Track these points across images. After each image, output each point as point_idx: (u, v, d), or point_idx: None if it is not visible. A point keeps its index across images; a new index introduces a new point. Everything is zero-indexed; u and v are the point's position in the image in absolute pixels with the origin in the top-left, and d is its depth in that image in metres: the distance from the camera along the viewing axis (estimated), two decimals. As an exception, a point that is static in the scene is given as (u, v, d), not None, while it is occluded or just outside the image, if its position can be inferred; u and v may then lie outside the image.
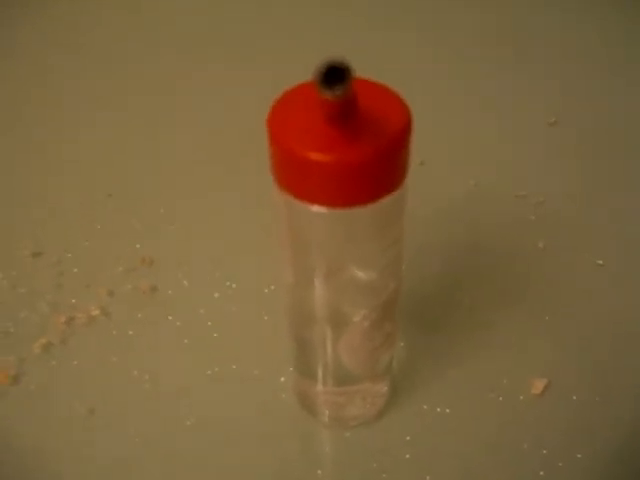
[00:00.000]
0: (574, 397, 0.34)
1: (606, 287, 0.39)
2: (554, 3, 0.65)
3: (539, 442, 0.32)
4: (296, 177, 0.22)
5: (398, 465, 0.32)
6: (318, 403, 0.33)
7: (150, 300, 0.39)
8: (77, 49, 0.61)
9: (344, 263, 0.26)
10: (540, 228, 0.43)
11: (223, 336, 0.37)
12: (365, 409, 0.33)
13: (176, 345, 0.37)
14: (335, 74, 0.18)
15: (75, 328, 0.38)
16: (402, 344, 0.36)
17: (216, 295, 0.39)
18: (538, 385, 0.35)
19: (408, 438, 0.33)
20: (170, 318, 0.38)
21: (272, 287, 0.40)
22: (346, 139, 0.21)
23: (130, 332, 0.38)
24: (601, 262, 0.41)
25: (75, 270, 0.41)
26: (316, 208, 0.22)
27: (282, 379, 0.35)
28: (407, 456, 0.32)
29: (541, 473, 0.31)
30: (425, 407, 0.34)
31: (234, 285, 0.40)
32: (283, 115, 0.22)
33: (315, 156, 0.21)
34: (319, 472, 0.32)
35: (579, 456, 0.32)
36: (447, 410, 0.34)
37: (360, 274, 0.26)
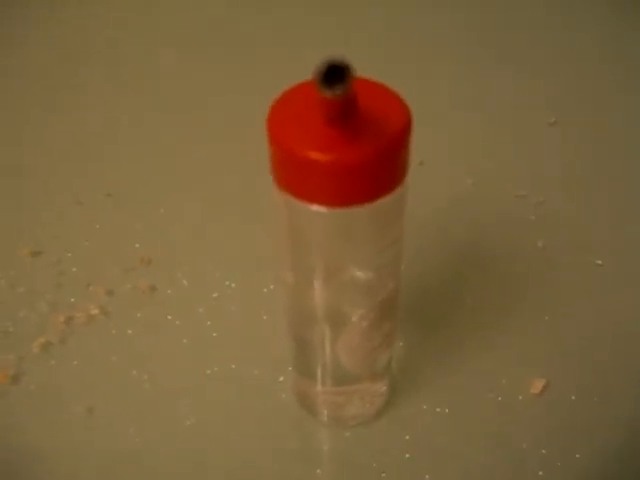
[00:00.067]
0: (573, 397, 0.34)
1: (605, 287, 0.39)
2: (554, 3, 0.65)
3: (538, 442, 0.32)
4: (296, 177, 0.22)
5: (397, 465, 0.32)
6: (317, 403, 0.33)
7: (149, 300, 0.39)
8: (77, 49, 0.61)
9: (343, 263, 0.26)
10: (540, 228, 0.43)
11: (222, 336, 0.37)
12: (364, 409, 0.33)
13: (175, 345, 0.37)
14: (335, 73, 0.18)
15: (74, 328, 0.38)
16: (401, 344, 0.36)
17: (215, 295, 0.39)
18: (537, 385, 0.35)
19: (407, 438, 0.33)
20: (169, 318, 0.38)
21: (271, 287, 0.40)
22: (346, 139, 0.21)
23: (129, 332, 0.38)
24: (600, 262, 0.41)
25: (74, 269, 0.41)
26: (316, 208, 0.22)
27: (281, 379, 0.35)
28: (406, 455, 0.32)
29: (540, 473, 0.31)
30: (424, 407, 0.34)
31: (233, 285, 0.40)
32: (283, 115, 0.22)
33: (315, 156, 0.21)
34: (318, 471, 0.32)
35: (578, 456, 0.32)
36: (446, 410, 0.34)
37: (359, 274, 0.26)
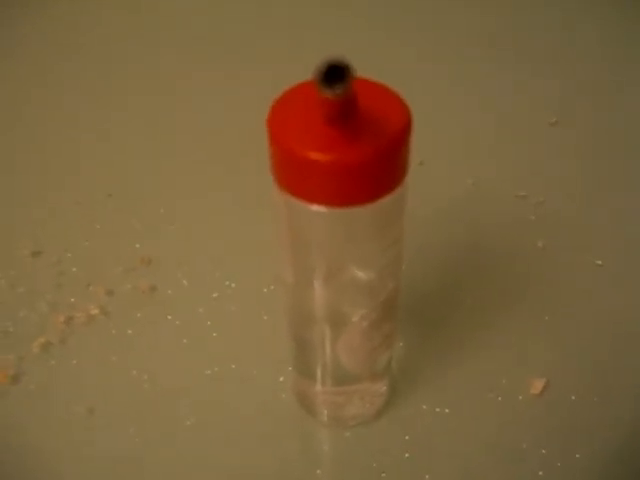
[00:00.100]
0: (573, 397, 0.34)
1: (605, 287, 0.39)
2: (554, 3, 0.65)
3: (538, 442, 0.32)
4: (296, 177, 0.22)
5: (397, 464, 0.32)
6: (317, 403, 0.33)
7: (149, 300, 0.39)
8: (77, 49, 0.61)
9: (344, 263, 0.26)
10: (540, 228, 0.43)
11: (222, 336, 0.37)
12: (364, 409, 0.33)
13: (175, 345, 0.37)
14: (335, 73, 0.18)
15: (74, 327, 0.38)
16: (401, 344, 0.36)
17: (215, 295, 0.39)
18: (537, 385, 0.35)
19: (407, 438, 0.33)
20: (169, 318, 0.38)
21: (271, 287, 0.40)
22: (346, 139, 0.21)
23: (129, 331, 0.38)
24: (600, 262, 0.41)
25: (74, 270, 0.41)
26: (316, 208, 0.22)
27: (281, 379, 0.35)
28: (406, 455, 0.32)
29: (540, 473, 0.31)
30: (424, 407, 0.34)
31: (233, 285, 0.40)
32: (283, 115, 0.22)
33: (315, 156, 0.21)
34: (318, 472, 0.32)
35: (578, 456, 0.32)
36: (446, 410, 0.34)
37: (360, 274, 0.26)
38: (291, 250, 0.26)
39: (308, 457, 0.33)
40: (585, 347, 0.36)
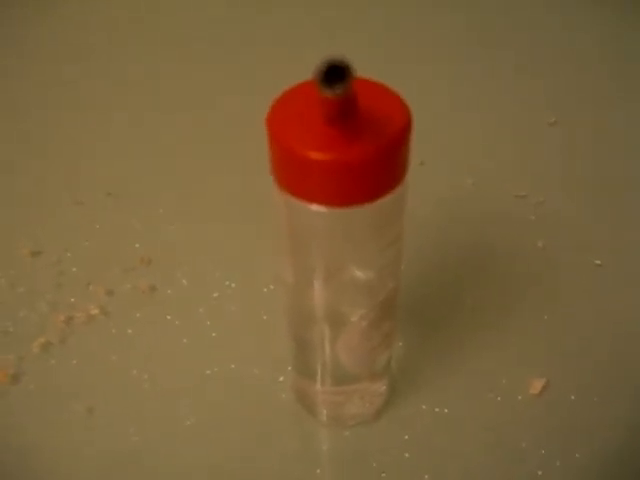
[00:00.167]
0: (572, 397, 0.34)
1: (605, 287, 0.39)
2: (554, 3, 0.65)
3: (537, 442, 0.32)
4: (296, 176, 0.22)
5: (397, 464, 0.32)
6: (317, 402, 0.33)
7: (149, 299, 0.39)
8: (77, 49, 0.61)
9: (343, 263, 0.26)
10: (540, 228, 0.43)
11: (222, 335, 0.37)
12: (364, 408, 0.33)
13: (175, 344, 0.37)
14: (335, 73, 0.18)
15: (74, 327, 0.38)
16: (401, 344, 0.36)
17: (215, 295, 0.39)
18: (536, 385, 0.35)
19: (407, 437, 0.33)
20: (169, 317, 0.38)
21: (271, 287, 0.40)
22: (346, 138, 0.21)
23: (129, 331, 0.38)
24: (600, 262, 0.41)
25: (74, 269, 0.41)
26: (316, 207, 0.22)
27: (281, 378, 0.35)
28: (406, 455, 0.32)
29: (539, 473, 0.31)
30: (424, 407, 0.34)
31: (233, 285, 0.40)
32: (283, 114, 0.22)
33: (315, 155, 0.21)
34: (318, 471, 0.32)
35: (577, 456, 0.32)
36: (445, 410, 0.34)
37: (359, 274, 0.26)
38: (291, 250, 0.26)
39: (308, 457, 0.33)
40: (585, 347, 0.37)
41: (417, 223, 0.41)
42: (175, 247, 0.42)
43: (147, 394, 0.35)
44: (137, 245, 0.42)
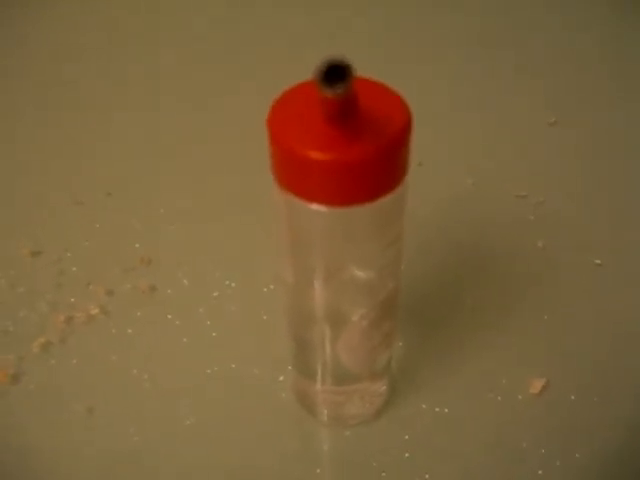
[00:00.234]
0: (572, 397, 0.34)
1: (605, 287, 0.40)
2: (554, 3, 0.65)
3: (537, 441, 0.32)
4: (296, 176, 0.22)
5: (397, 464, 0.32)
6: (317, 402, 0.33)
7: (149, 299, 0.39)
8: (77, 49, 0.61)
9: (344, 263, 0.26)
10: (540, 228, 0.43)
11: (222, 335, 0.37)
12: (364, 408, 0.33)
13: (175, 344, 0.37)
14: (336, 72, 0.18)
15: (74, 327, 0.38)
16: (401, 343, 0.36)
17: (215, 294, 0.39)
18: (536, 385, 0.35)
19: (407, 437, 0.33)
20: (169, 317, 0.38)
21: (271, 286, 0.40)
22: (346, 138, 0.21)
23: (129, 331, 0.38)
24: (600, 262, 0.41)
25: (74, 269, 0.41)
26: (316, 207, 0.22)
27: (281, 378, 0.35)
28: (406, 455, 0.32)
29: (539, 472, 0.31)
30: (424, 406, 0.34)
31: (233, 284, 0.40)
32: (283, 114, 0.22)
33: (315, 155, 0.21)
34: (318, 471, 0.32)
35: (577, 456, 0.32)
36: (446, 410, 0.34)
37: (359, 273, 0.26)
38: (291, 249, 0.26)
39: (308, 456, 0.33)
40: (585, 347, 0.37)
41: (417, 223, 0.41)
42: (175, 247, 0.42)
43: (147, 394, 0.35)
44: (137, 245, 0.42)
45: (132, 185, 0.47)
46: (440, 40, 0.61)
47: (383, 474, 0.32)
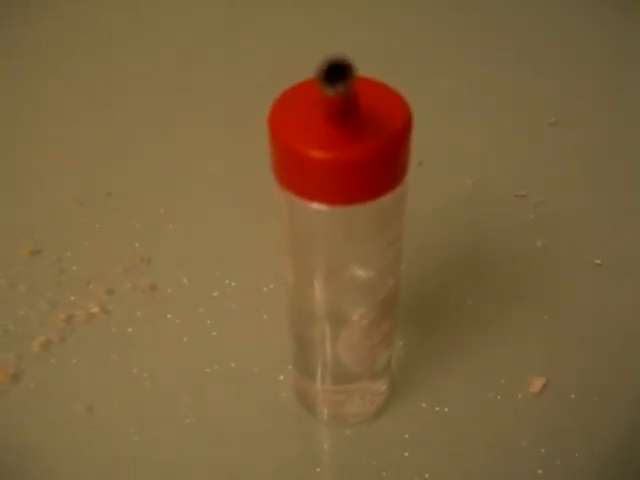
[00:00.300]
0: (572, 396, 0.34)
1: (605, 287, 0.40)
2: (554, 3, 0.65)
3: (537, 441, 0.33)
4: (297, 175, 0.22)
5: (397, 463, 0.32)
6: (317, 401, 0.33)
7: (149, 298, 0.39)
8: (77, 49, 0.61)
9: (344, 262, 0.26)
10: (539, 228, 0.43)
11: (222, 334, 0.37)
12: (364, 407, 0.33)
13: (175, 343, 0.37)
14: (337, 71, 0.18)
15: (74, 326, 0.38)
16: (401, 343, 0.37)
17: (215, 294, 0.40)
18: (536, 384, 0.35)
19: (407, 436, 0.33)
20: (169, 316, 0.38)
21: (271, 286, 0.40)
22: (347, 137, 0.21)
23: (129, 330, 0.38)
24: (599, 262, 0.41)
25: (74, 268, 0.41)
26: (316, 206, 0.22)
27: (281, 377, 0.35)
28: (406, 454, 0.32)
29: (539, 472, 0.32)
30: (424, 406, 0.34)
31: (233, 284, 0.40)
32: (284, 113, 0.22)
33: (316, 154, 0.21)
34: (318, 470, 0.32)
35: (577, 455, 0.32)
36: (446, 409, 0.34)
37: (360, 273, 0.26)
38: (291, 249, 0.26)
39: (308, 455, 0.33)
40: (585, 347, 0.37)
41: (417, 223, 0.41)
42: (175, 246, 0.42)
43: (147, 393, 0.35)
44: (137, 244, 0.42)
45: (132, 185, 0.47)
46: (440, 40, 0.61)
47: (383, 473, 0.32)
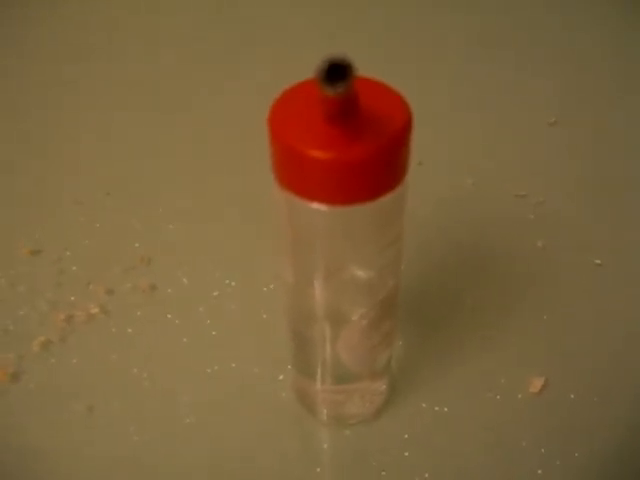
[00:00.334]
0: (572, 396, 0.34)
1: (605, 287, 0.40)
2: (554, 3, 0.65)
3: (537, 441, 0.33)
4: (296, 175, 0.22)
5: (397, 463, 0.32)
6: (317, 401, 0.33)
7: (149, 298, 0.39)
8: (77, 49, 0.61)
9: (344, 262, 0.26)
10: (539, 228, 0.43)
11: (222, 334, 0.37)
12: (364, 407, 0.33)
13: (175, 343, 0.37)
14: (337, 71, 0.18)
15: (74, 326, 0.38)
16: (401, 343, 0.37)
17: (215, 293, 0.40)
18: (536, 384, 0.35)
19: (406, 436, 0.33)
20: (169, 316, 0.38)
21: (271, 286, 0.40)
22: (346, 137, 0.21)
23: (129, 330, 0.38)
24: (600, 262, 0.41)
25: (74, 268, 0.41)
26: (316, 206, 0.22)
27: (281, 377, 0.35)
28: (406, 454, 0.32)
29: (539, 471, 0.32)
30: (424, 405, 0.34)
31: (233, 283, 0.40)
32: (284, 113, 0.22)
33: (315, 154, 0.21)
34: (318, 470, 0.32)
35: (577, 455, 0.32)
36: (445, 409, 0.34)
37: (360, 273, 0.26)
38: (291, 249, 0.26)
39: (308, 456, 0.33)
40: (585, 347, 0.37)
41: (417, 223, 0.41)
42: (175, 246, 0.42)
43: (147, 393, 0.35)
44: (137, 244, 0.42)
45: (132, 185, 0.47)
46: (440, 40, 0.61)
47: (383, 473, 0.32)
